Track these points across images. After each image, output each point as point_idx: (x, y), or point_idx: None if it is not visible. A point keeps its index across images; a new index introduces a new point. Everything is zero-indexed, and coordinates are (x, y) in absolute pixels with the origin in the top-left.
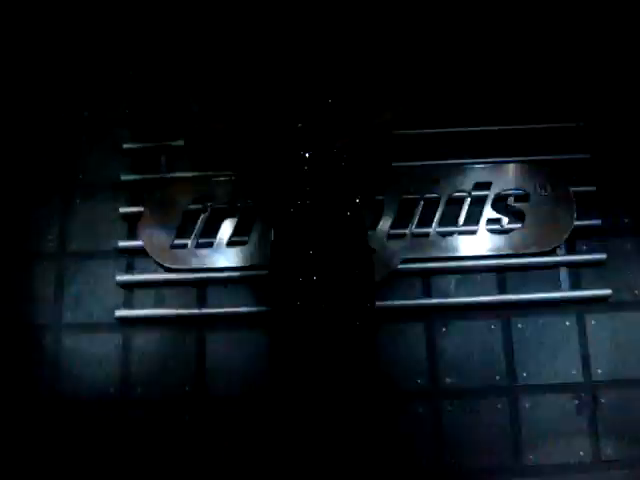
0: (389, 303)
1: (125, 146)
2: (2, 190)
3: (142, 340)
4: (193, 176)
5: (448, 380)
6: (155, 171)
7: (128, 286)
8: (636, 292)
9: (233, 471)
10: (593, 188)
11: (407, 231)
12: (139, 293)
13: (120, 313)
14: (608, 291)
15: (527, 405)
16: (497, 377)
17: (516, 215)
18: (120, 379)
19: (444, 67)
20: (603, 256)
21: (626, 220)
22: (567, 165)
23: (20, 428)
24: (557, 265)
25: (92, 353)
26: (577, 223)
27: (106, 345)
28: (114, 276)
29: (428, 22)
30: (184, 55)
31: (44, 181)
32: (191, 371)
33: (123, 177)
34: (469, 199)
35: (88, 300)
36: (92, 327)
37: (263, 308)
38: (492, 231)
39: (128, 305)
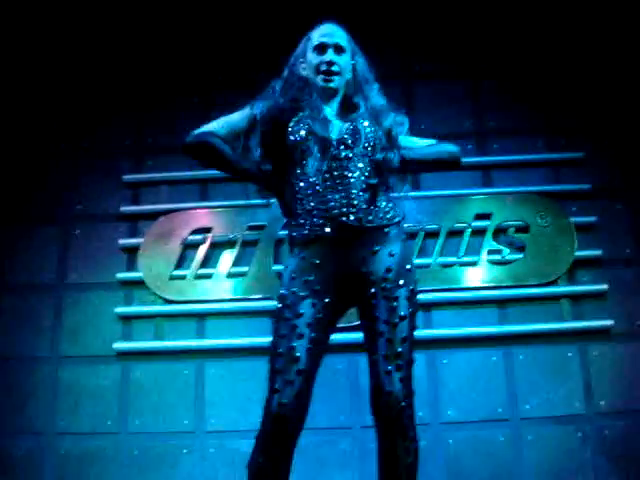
0: None
1: (125, 177)
2: (2, 219)
3: (140, 372)
4: (193, 207)
5: (450, 412)
6: (155, 202)
7: (127, 318)
8: (637, 322)
9: None
10: (594, 219)
11: None
12: (138, 325)
13: (118, 345)
14: (610, 322)
15: (530, 437)
16: (499, 409)
17: (517, 246)
18: (118, 412)
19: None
20: (604, 287)
21: (627, 250)
22: (568, 196)
23: (18, 460)
24: (558, 296)
25: (90, 386)
26: (578, 254)
27: (104, 377)
28: (113, 308)
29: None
30: (185, 84)
31: (43, 211)
32: (190, 404)
33: (123, 208)
34: (470, 230)
35: (86, 332)
36: (90, 360)
37: (263, 339)
38: (493, 262)
39: (127, 337)
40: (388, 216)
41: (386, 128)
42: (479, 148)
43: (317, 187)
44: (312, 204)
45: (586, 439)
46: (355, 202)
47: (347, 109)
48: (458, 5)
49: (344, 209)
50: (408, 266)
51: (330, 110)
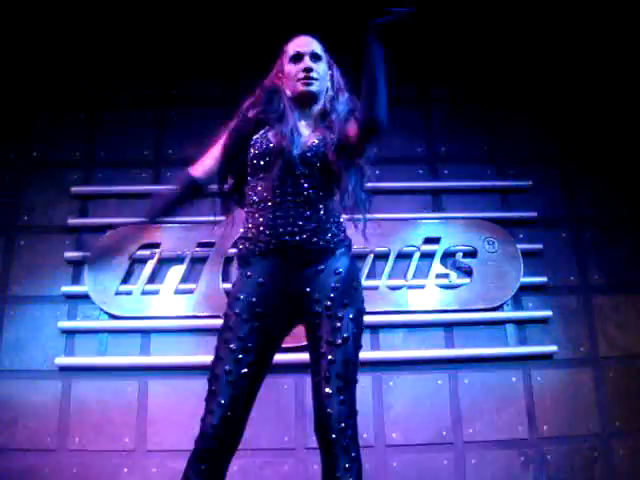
0: None
1: (74, 189)
2: None
3: (82, 389)
4: (141, 222)
5: (394, 435)
6: (103, 216)
7: (70, 332)
8: (581, 349)
9: None
10: (540, 246)
11: None
12: (81, 340)
13: (61, 360)
14: (553, 347)
15: (473, 461)
16: (443, 432)
17: (464, 271)
18: (58, 428)
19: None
20: (549, 313)
21: (571, 278)
22: (515, 223)
23: None
24: (504, 321)
25: (30, 401)
26: (523, 280)
27: (45, 393)
28: (56, 322)
29: None
30: (138, 99)
31: None
32: (132, 422)
33: (70, 221)
34: (418, 254)
35: (28, 346)
36: (31, 374)
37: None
38: (440, 286)
39: (69, 352)
40: (335, 239)
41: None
42: (430, 173)
43: (269, 202)
44: (261, 219)
45: (528, 463)
46: (301, 222)
47: (323, 121)
48: (410, 32)
49: (289, 228)
50: (354, 284)
51: (305, 122)
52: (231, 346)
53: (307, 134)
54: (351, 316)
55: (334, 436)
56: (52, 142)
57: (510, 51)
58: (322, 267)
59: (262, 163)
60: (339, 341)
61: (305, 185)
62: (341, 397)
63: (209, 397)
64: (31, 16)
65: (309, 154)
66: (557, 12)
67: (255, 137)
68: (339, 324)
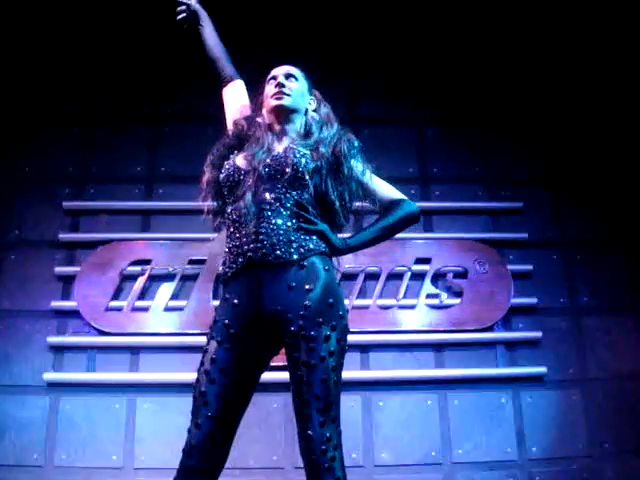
0: None
1: (65, 204)
2: None
3: (70, 405)
4: (132, 238)
5: (384, 455)
6: (94, 231)
7: (59, 348)
8: (570, 370)
9: None
10: (530, 267)
11: (347, 303)
12: (70, 356)
13: (49, 376)
14: (543, 369)
15: None
16: (433, 453)
17: (455, 291)
18: (45, 445)
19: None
20: (539, 334)
21: (561, 299)
22: (506, 244)
23: None
24: (494, 342)
25: (17, 416)
26: (514, 301)
27: (32, 409)
28: (45, 337)
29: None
30: (131, 114)
31: None
32: (120, 439)
33: (61, 236)
34: (409, 274)
35: (16, 361)
36: (19, 389)
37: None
38: (431, 306)
39: (58, 368)
40: (302, 250)
41: (332, 157)
42: (422, 193)
43: (237, 224)
44: (232, 242)
45: None
46: (263, 237)
47: (305, 139)
48: (404, 53)
49: (252, 245)
50: (330, 300)
51: (281, 141)
52: (206, 368)
53: (279, 149)
54: (327, 334)
55: (316, 458)
56: (44, 157)
57: (502, 74)
58: (293, 284)
59: (229, 185)
60: (315, 362)
61: (269, 200)
62: (321, 419)
63: (191, 416)
64: (24, 30)
65: (274, 165)
66: (546, 34)
67: (226, 162)
68: (313, 344)
